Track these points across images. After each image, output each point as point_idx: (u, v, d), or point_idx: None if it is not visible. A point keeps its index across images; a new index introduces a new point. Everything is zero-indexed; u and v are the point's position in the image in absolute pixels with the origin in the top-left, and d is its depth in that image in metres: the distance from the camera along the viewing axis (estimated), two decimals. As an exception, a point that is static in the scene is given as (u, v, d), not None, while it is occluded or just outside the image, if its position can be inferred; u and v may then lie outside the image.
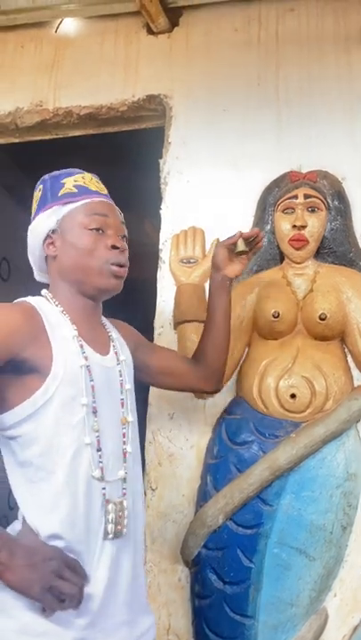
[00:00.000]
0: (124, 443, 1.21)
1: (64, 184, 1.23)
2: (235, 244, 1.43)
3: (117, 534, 1.14)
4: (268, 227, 1.82)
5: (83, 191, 1.22)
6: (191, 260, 1.89)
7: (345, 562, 1.58)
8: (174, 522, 1.71)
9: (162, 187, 2.00)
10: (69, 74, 2.17)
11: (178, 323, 1.85)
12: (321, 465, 1.59)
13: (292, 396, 1.62)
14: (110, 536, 1.13)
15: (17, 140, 2.25)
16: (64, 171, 1.26)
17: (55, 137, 2.22)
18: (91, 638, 1.08)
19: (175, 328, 1.87)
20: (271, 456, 1.59)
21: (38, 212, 1.24)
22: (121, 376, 1.25)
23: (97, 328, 1.27)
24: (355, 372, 1.69)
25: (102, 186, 1.28)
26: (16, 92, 2.18)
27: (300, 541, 1.55)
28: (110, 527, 1.13)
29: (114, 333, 1.32)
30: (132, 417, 1.24)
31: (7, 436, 1.14)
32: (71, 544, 1.09)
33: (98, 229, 1.21)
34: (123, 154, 2.69)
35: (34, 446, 1.11)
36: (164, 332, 1.88)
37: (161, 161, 2.01)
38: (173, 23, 2.11)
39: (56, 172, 1.26)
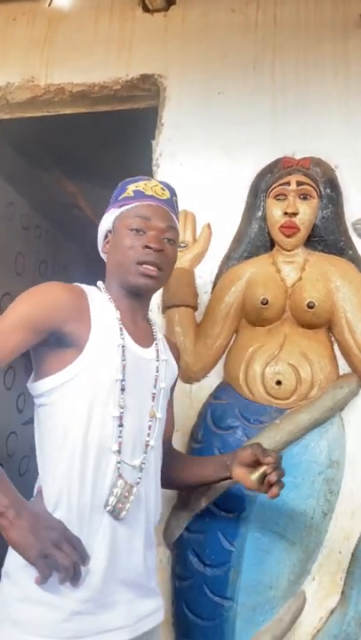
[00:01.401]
0: (148, 435, 1.26)
1: (126, 189, 1.33)
2: (258, 470, 1.29)
3: (116, 511, 1.17)
4: (260, 213, 1.81)
5: (138, 196, 1.31)
6: (181, 245, 1.87)
7: (324, 547, 1.61)
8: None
9: (153, 168, 1.98)
10: (62, 50, 2.13)
11: (166, 307, 1.85)
12: (304, 452, 1.60)
13: (278, 382, 1.63)
14: (109, 508, 1.17)
15: (7, 116, 2.21)
16: (136, 177, 1.36)
17: (46, 114, 2.19)
18: (90, 612, 1.13)
19: (163, 312, 1.86)
20: (255, 441, 1.60)
21: (105, 212, 1.37)
22: (157, 372, 1.31)
23: (140, 323, 1.35)
24: (341, 360, 1.70)
25: (165, 192, 1.34)
26: (7, 66, 2.14)
27: (281, 526, 1.57)
28: (112, 500, 1.17)
29: (160, 335, 1.39)
30: (160, 414, 1.30)
31: (38, 403, 1.22)
32: (73, 515, 1.14)
33: (138, 230, 1.28)
34: (114, 133, 2.66)
35: (57, 416, 1.18)
36: (152, 316, 1.86)
37: (153, 142, 1.99)
38: (170, 1, 2.08)
39: (129, 179, 1.36)
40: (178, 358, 1.47)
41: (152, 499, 1.27)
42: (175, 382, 1.45)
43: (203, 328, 1.79)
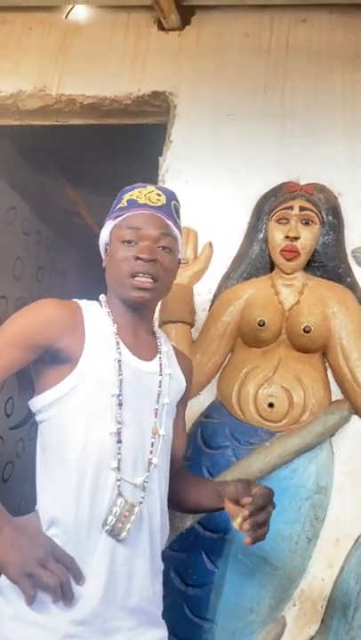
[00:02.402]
0: (151, 452, 1.21)
1: (122, 199, 1.30)
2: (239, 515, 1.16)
3: (115, 531, 1.12)
4: (262, 235, 1.83)
5: (131, 205, 1.27)
6: (182, 261, 1.88)
7: (307, 573, 1.60)
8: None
9: (159, 184, 1.99)
10: (76, 61, 2.15)
11: (163, 322, 1.85)
12: (292, 476, 1.60)
13: (270, 405, 1.63)
14: (107, 527, 1.11)
15: (16, 123, 2.22)
16: (132, 185, 1.31)
17: (55, 123, 2.20)
18: (85, 637, 1.08)
19: (159, 327, 1.86)
20: (244, 463, 1.60)
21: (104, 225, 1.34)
22: (160, 387, 1.26)
23: (142, 336, 1.30)
24: (334, 386, 1.71)
25: (160, 197, 1.28)
26: (20, 74, 2.16)
27: (266, 550, 1.56)
28: (111, 519, 1.12)
29: (166, 348, 1.33)
30: (164, 431, 1.24)
31: (38, 419, 1.21)
32: (70, 532, 1.11)
33: (130, 241, 1.24)
34: (120, 145, 2.68)
35: (55, 431, 1.17)
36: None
37: (160, 158, 2.01)
38: (185, 21, 2.11)
39: (127, 187, 1.32)
40: (189, 372, 1.40)
41: (157, 520, 1.20)
42: (184, 397, 1.38)
43: (198, 345, 1.79)
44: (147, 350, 1.28)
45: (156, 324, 1.86)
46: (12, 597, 1.09)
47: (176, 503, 1.33)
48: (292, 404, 1.63)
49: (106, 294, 1.32)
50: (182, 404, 1.39)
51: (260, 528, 1.14)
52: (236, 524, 1.13)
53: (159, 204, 1.27)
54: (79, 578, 1.09)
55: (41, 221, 3.95)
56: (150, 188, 1.30)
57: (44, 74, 2.15)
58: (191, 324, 1.83)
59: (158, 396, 1.25)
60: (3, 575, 1.10)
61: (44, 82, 2.14)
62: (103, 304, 1.29)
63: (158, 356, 1.30)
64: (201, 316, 1.85)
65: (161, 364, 1.29)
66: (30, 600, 1.05)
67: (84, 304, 1.27)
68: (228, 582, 1.56)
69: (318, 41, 2.03)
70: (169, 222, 1.27)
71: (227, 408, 1.69)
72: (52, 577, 1.04)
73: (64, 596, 1.06)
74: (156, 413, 1.24)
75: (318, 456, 1.63)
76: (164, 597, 1.58)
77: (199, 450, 1.66)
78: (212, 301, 1.85)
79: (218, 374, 1.78)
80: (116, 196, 1.35)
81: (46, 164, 3.68)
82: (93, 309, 1.26)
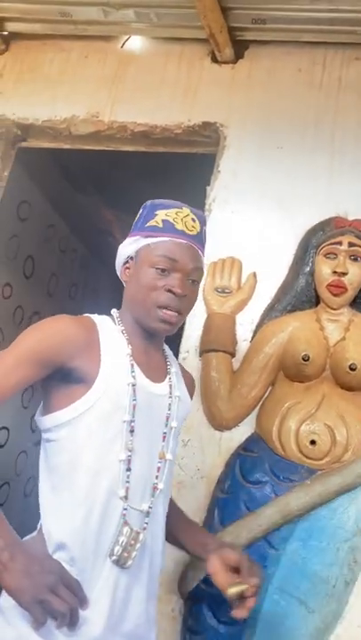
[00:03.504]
0: (157, 477, 1.19)
1: (155, 215, 1.22)
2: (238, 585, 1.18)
3: (122, 560, 1.11)
4: (308, 268, 1.82)
5: (167, 228, 1.21)
6: (226, 290, 1.89)
7: (343, 618, 1.56)
8: (175, 551, 1.69)
9: (205, 213, 2.00)
10: (129, 90, 2.20)
11: (204, 350, 1.85)
12: (332, 516, 1.57)
13: (312, 442, 1.61)
14: (114, 558, 1.11)
15: (67, 146, 2.27)
16: (165, 201, 1.25)
17: (106, 149, 2.24)
18: None
19: (200, 355, 1.87)
20: (283, 500, 1.58)
21: (130, 233, 1.26)
22: (169, 410, 1.23)
23: (154, 356, 1.26)
24: (376, 426, 1.67)
25: (195, 224, 1.23)
26: (74, 100, 2.22)
27: (302, 591, 1.53)
28: (117, 549, 1.11)
29: (174, 369, 1.31)
30: (170, 455, 1.22)
31: (45, 438, 1.17)
32: (75, 558, 1.09)
33: (163, 270, 1.19)
34: (169, 173, 2.72)
35: (64, 453, 1.13)
36: (189, 358, 1.88)
37: (208, 188, 2.03)
38: (238, 55, 2.15)
39: (158, 201, 1.26)
40: (191, 389, 1.37)
41: (158, 545, 1.20)
42: (186, 417, 1.34)
43: (239, 376, 1.78)
44: (157, 371, 1.25)
45: (194, 350, 1.87)
46: (14, 620, 1.06)
47: None
48: (335, 442, 1.60)
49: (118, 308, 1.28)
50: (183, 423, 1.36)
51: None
52: (234, 592, 1.16)
53: (195, 232, 1.23)
54: (84, 603, 1.08)
55: (78, 240, 4.02)
56: (186, 210, 1.24)
57: (98, 100, 2.20)
58: (232, 354, 1.83)
59: (167, 419, 1.22)
60: (3, 595, 1.08)
61: (97, 108, 2.19)
62: (117, 320, 1.24)
63: (168, 377, 1.27)
64: (242, 346, 1.84)
65: (171, 386, 1.25)
66: (39, 626, 1.03)
67: (99, 321, 1.22)
68: (261, 622, 1.52)
69: (371, 78, 2.04)
70: (200, 254, 1.24)
71: (266, 442, 1.67)
72: (63, 604, 1.03)
73: (71, 621, 1.05)
74: (164, 437, 1.21)
75: (359, 497, 1.59)
76: (197, 634, 1.57)
77: (238, 483, 1.64)
78: (255, 332, 1.84)
79: (258, 407, 1.76)
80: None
81: (85, 184, 3.74)
82: (108, 327, 1.21)
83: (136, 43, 2.24)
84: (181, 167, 2.59)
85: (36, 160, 2.70)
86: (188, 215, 1.23)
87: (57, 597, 1.02)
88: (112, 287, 4.83)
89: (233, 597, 1.16)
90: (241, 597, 1.16)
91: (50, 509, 1.14)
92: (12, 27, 2.29)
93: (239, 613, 1.15)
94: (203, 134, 2.11)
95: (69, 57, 2.27)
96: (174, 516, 1.31)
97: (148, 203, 1.26)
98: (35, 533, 1.16)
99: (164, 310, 1.18)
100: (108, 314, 1.27)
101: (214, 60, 2.15)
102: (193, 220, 1.23)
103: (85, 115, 2.19)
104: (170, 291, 1.17)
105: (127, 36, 2.24)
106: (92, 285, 4.40)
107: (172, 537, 1.29)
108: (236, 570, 1.20)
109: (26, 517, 1.13)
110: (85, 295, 4.28)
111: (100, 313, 1.28)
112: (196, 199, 2.07)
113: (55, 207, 3.57)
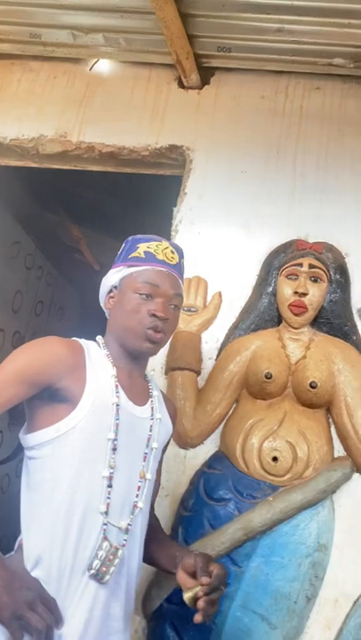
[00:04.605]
0: (137, 496, 1.23)
1: (137, 248, 1.32)
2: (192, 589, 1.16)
3: (100, 575, 1.14)
4: (271, 288, 1.87)
5: (148, 258, 1.31)
6: (192, 309, 1.92)
7: (305, 633, 1.58)
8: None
9: (172, 233, 2.05)
10: (97, 111, 2.23)
11: (170, 368, 1.87)
12: (294, 532, 1.60)
13: (275, 458, 1.64)
14: (92, 572, 1.13)
15: (35, 165, 2.29)
16: (146, 235, 1.36)
17: (73, 168, 2.26)
18: None
19: (166, 373, 1.88)
20: (246, 517, 1.60)
21: (113, 266, 1.36)
22: (150, 431, 1.29)
23: (137, 380, 1.33)
24: (336, 442, 1.72)
25: (175, 255, 1.34)
26: (42, 120, 2.23)
27: (264, 607, 1.54)
28: (96, 563, 1.14)
29: (156, 392, 1.36)
30: (150, 475, 1.27)
31: (28, 456, 1.20)
32: (52, 575, 1.11)
33: (146, 295, 1.28)
34: (139, 193, 2.76)
35: (46, 471, 1.16)
36: (155, 376, 1.89)
37: (175, 209, 2.07)
38: (204, 81, 2.21)
39: (139, 236, 1.36)
40: (174, 417, 1.44)
41: (135, 562, 1.24)
42: (168, 441, 1.42)
43: (204, 394, 1.81)
44: (140, 395, 1.31)
45: (160, 368, 1.89)
46: None
47: None
48: (296, 458, 1.64)
49: (103, 335, 1.34)
50: (165, 447, 1.41)
51: (211, 607, 1.14)
52: (187, 597, 1.14)
53: (174, 262, 1.34)
54: (59, 622, 1.10)
55: (44, 257, 4.00)
56: (165, 243, 1.35)
57: (66, 121, 2.22)
58: (198, 372, 1.85)
59: (148, 441, 1.28)
60: None
61: (65, 129, 2.21)
62: (102, 346, 1.31)
63: (150, 400, 1.33)
64: (208, 364, 1.87)
65: (152, 408, 1.32)
66: None
67: (86, 345, 1.28)
68: (225, 639, 1.53)
69: (331, 107, 2.13)
70: (180, 282, 1.35)
71: (230, 460, 1.69)
72: (41, 621, 1.05)
73: (46, 639, 1.06)
74: (145, 457, 1.27)
75: (320, 513, 1.63)
76: (160, 653, 1.56)
77: (202, 501, 1.66)
78: (220, 350, 1.88)
79: (222, 425, 1.78)
80: (118, 235, 1.37)
81: (52, 203, 3.75)
82: (94, 350, 1.28)
83: (104, 66, 2.28)
84: (149, 187, 2.64)
85: (2, 177, 2.70)
86: (167, 247, 1.34)
87: (35, 614, 1.05)
88: (78, 304, 4.82)
89: (189, 603, 1.14)
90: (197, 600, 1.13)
91: (29, 525, 1.17)
92: (-20, 46, 2.31)
93: (196, 618, 1.14)
94: (169, 157, 2.16)
95: (38, 77, 2.30)
96: (152, 533, 1.34)
97: (130, 238, 1.37)
98: (14, 552, 1.18)
99: (150, 331, 1.26)
100: (74, 331, 1.34)
101: (181, 85, 2.21)
102: (172, 251, 1.34)
103: (53, 134, 2.21)
104: (153, 315, 1.26)
105: (96, 59, 2.27)
106: (57, 302, 4.39)
107: (147, 556, 1.31)
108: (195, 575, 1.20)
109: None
110: (51, 312, 4.26)
111: (65, 329, 1.32)
112: (163, 219, 2.12)
113: (21, 224, 3.55)
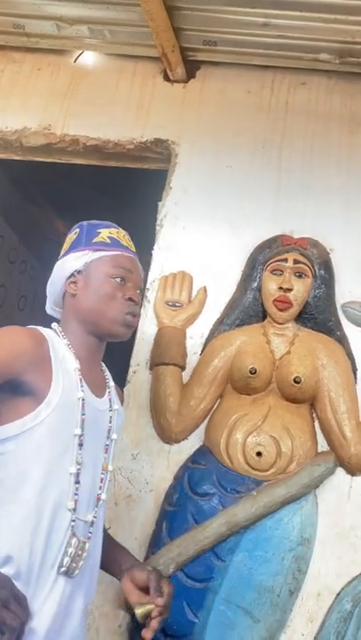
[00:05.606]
0: (100, 488, 1.23)
1: (99, 233, 1.31)
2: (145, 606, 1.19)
3: (70, 571, 1.14)
4: (255, 284, 1.87)
5: (115, 244, 1.30)
6: (177, 304, 1.91)
7: (287, 627, 1.59)
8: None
9: (157, 228, 2.04)
10: (82, 104, 2.21)
11: (154, 364, 1.86)
12: (277, 526, 1.60)
13: (259, 453, 1.65)
14: (63, 569, 1.13)
15: (19, 158, 2.26)
16: (101, 222, 1.34)
17: (57, 161, 2.24)
18: None
19: (151, 369, 1.88)
20: (230, 511, 1.60)
21: (69, 251, 1.31)
22: (110, 422, 1.28)
23: (96, 370, 1.31)
24: (320, 437, 1.73)
25: (131, 243, 1.35)
26: (26, 112, 2.20)
27: (248, 601, 1.55)
28: (66, 560, 1.13)
29: (111, 382, 1.35)
30: (111, 467, 1.27)
31: None
32: (21, 572, 1.09)
33: (122, 279, 1.28)
34: (124, 187, 2.74)
35: (10, 467, 1.13)
36: (139, 371, 1.89)
37: (160, 203, 2.05)
38: (190, 75, 2.19)
39: (94, 222, 1.35)
40: (122, 402, 1.42)
41: (97, 554, 1.24)
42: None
43: (188, 389, 1.81)
44: (99, 386, 1.29)
45: (144, 364, 1.88)
46: None
47: None
48: (280, 453, 1.64)
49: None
50: None
51: (160, 624, 1.17)
52: (140, 613, 1.16)
53: (133, 249, 1.36)
54: (29, 618, 1.09)
55: (27, 251, 3.96)
56: (122, 230, 1.36)
57: (50, 113, 2.20)
58: (183, 367, 1.85)
59: (109, 432, 1.28)
60: None
61: (49, 121, 2.18)
62: (60, 334, 1.27)
63: (108, 391, 1.32)
64: (192, 359, 1.87)
65: (110, 400, 1.31)
66: None
67: (48, 334, 1.24)
68: (208, 634, 1.53)
69: (316, 103, 2.13)
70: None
71: (214, 455, 1.69)
72: (15, 619, 1.03)
73: (19, 637, 1.05)
74: (107, 449, 1.26)
75: (303, 507, 1.64)
76: (143, 648, 1.56)
77: (186, 496, 1.66)
78: (205, 346, 1.87)
79: (206, 420, 1.78)
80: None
81: (36, 196, 3.71)
82: (56, 340, 1.24)
83: (89, 58, 2.25)
84: (134, 181, 2.62)
85: (-15, 170, 2.67)
86: (125, 235, 1.36)
87: (9, 612, 1.02)
88: (62, 299, 4.75)
89: (140, 619, 1.17)
90: (149, 617, 1.16)
91: None
92: None
93: (146, 634, 1.15)
94: (154, 151, 2.14)
95: (21, 69, 2.26)
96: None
97: (85, 223, 1.35)
98: None
99: (129, 316, 1.27)
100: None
101: (166, 78, 2.19)
102: (129, 239, 1.36)
103: (37, 127, 2.18)
104: (130, 299, 1.26)
105: (80, 51, 2.25)
106: (41, 297, 4.32)
107: None
108: (146, 589, 1.21)
109: None
110: (35, 307, 4.21)
111: (49, 325, 1.30)
112: (148, 214, 2.11)
113: (4, 217, 3.51)
